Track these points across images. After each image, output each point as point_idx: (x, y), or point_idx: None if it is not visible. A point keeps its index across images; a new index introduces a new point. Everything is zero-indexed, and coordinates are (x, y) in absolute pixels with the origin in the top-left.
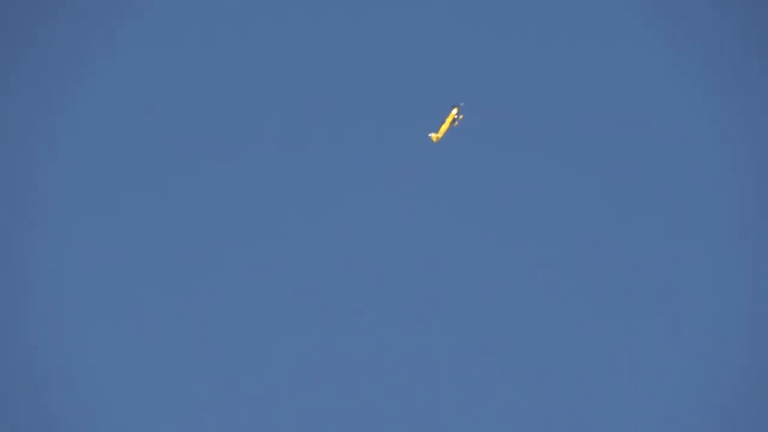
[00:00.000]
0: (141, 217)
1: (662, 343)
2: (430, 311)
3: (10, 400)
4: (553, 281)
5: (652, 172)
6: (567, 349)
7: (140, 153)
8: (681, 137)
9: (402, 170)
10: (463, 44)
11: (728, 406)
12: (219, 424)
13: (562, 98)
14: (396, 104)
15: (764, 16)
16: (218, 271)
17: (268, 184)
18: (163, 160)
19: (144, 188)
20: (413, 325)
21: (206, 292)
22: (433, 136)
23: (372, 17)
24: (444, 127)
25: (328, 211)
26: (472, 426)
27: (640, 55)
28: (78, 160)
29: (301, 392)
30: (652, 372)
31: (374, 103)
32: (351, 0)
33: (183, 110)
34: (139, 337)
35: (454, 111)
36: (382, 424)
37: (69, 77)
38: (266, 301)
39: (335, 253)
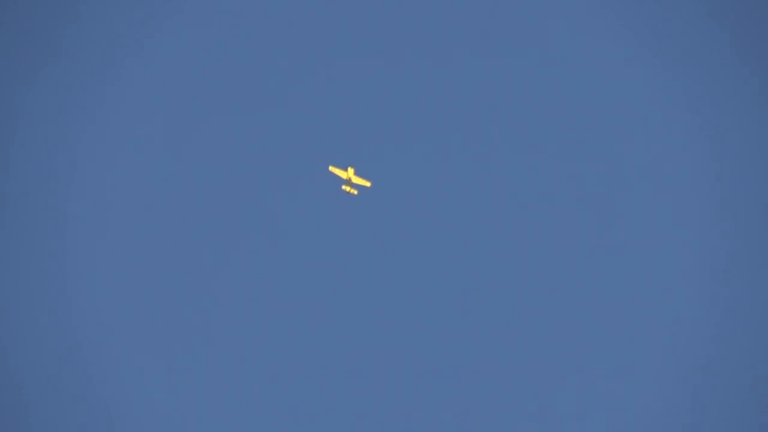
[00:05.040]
0: (155, 221)
1: (648, 340)
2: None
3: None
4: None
5: (633, 171)
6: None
7: (163, 157)
8: (661, 133)
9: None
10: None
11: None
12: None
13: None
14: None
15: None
16: (226, 272)
17: (271, 186)
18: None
19: (158, 192)
20: (410, 324)
21: (211, 291)
22: (345, 188)
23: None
24: (347, 184)
25: (328, 212)
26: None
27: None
28: (97, 163)
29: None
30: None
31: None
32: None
33: (192, 117)
34: (146, 331)
35: (349, 172)
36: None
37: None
38: (270, 301)
39: (336, 253)
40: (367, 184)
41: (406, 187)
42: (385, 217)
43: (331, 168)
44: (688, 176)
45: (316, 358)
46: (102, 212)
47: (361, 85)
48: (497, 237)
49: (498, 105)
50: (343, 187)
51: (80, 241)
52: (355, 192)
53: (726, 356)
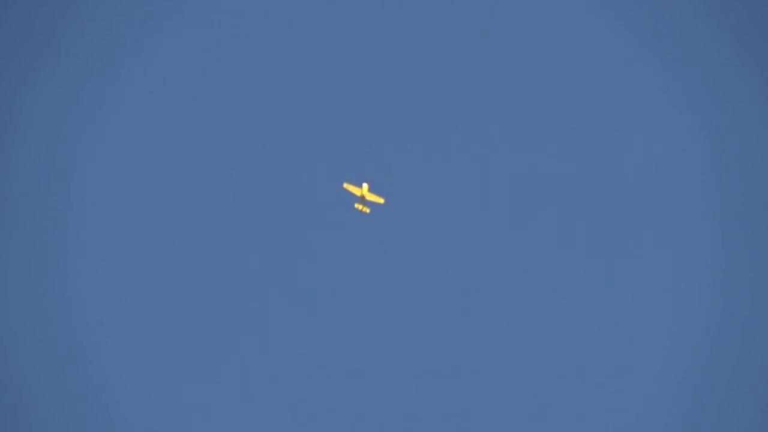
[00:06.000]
0: (157, 222)
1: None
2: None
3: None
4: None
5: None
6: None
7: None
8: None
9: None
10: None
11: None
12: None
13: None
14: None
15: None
16: (226, 269)
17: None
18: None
19: (160, 193)
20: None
21: (214, 291)
22: (358, 205)
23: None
24: (361, 202)
25: (331, 215)
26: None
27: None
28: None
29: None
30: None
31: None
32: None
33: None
34: (151, 330)
35: (364, 187)
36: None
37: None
38: (271, 300)
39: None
40: (381, 200)
41: (405, 187)
42: (385, 218)
43: (345, 185)
44: (688, 176)
45: (317, 360)
46: (102, 212)
47: (361, 85)
48: (496, 237)
49: (498, 105)
50: (356, 205)
51: (80, 241)
52: (368, 210)
53: (726, 357)
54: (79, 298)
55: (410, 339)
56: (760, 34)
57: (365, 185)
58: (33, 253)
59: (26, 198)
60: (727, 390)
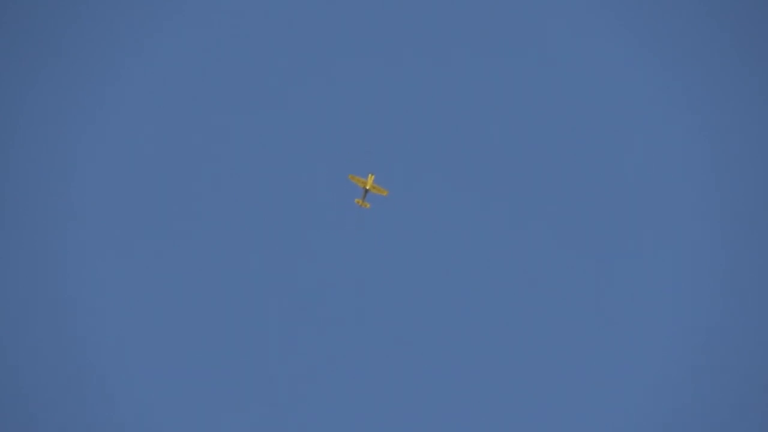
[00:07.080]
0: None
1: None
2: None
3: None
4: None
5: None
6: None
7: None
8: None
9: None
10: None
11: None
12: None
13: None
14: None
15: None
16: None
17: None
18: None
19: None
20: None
21: (219, 288)
22: (359, 201)
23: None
24: (363, 195)
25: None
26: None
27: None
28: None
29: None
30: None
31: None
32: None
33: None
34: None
35: (369, 179)
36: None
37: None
38: (276, 299)
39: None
40: (384, 192)
41: (405, 187)
42: (384, 218)
43: (350, 177)
44: (688, 176)
45: (317, 360)
46: (102, 212)
47: (361, 85)
48: (496, 237)
49: (498, 105)
50: (357, 200)
51: (80, 241)
52: (368, 205)
53: (726, 357)
54: (79, 298)
55: (410, 338)
56: (760, 34)
57: (371, 176)
58: (33, 253)
59: (26, 198)
60: (727, 390)
